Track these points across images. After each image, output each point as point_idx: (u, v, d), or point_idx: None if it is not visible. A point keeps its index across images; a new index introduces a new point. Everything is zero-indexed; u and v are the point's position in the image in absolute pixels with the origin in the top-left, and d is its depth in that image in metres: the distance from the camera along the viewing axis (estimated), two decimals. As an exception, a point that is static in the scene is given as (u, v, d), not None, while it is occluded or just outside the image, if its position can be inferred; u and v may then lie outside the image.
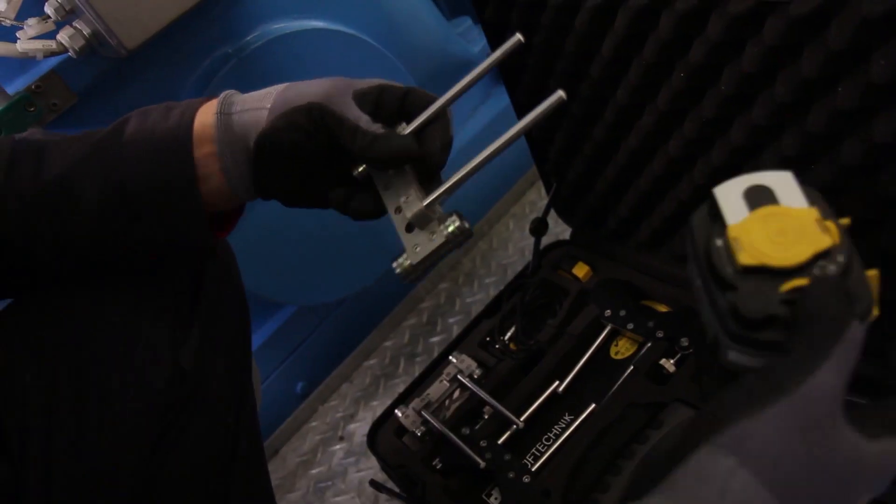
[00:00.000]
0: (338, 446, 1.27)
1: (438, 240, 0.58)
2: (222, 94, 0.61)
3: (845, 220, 0.41)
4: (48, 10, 0.87)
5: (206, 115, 0.60)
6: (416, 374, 1.29)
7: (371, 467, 1.19)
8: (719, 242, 0.41)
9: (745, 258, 0.40)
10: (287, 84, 0.61)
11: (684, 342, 0.90)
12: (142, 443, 0.63)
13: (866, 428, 0.35)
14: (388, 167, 0.60)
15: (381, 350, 1.40)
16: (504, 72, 1.02)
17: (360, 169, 0.61)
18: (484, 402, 0.99)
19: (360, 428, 1.28)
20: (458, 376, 1.03)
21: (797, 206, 0.41)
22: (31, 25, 0.87)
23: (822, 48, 0.65)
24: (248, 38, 1.08)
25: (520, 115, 1.06)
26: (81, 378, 0.60)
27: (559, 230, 1.25)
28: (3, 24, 0.87)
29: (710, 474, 0.34)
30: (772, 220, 0.41)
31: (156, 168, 0.58)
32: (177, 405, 0.65)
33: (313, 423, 1.33)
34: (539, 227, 1.09)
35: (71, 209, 0.58)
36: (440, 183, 0.59)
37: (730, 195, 0.43)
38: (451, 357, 1.07)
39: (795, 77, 0.68)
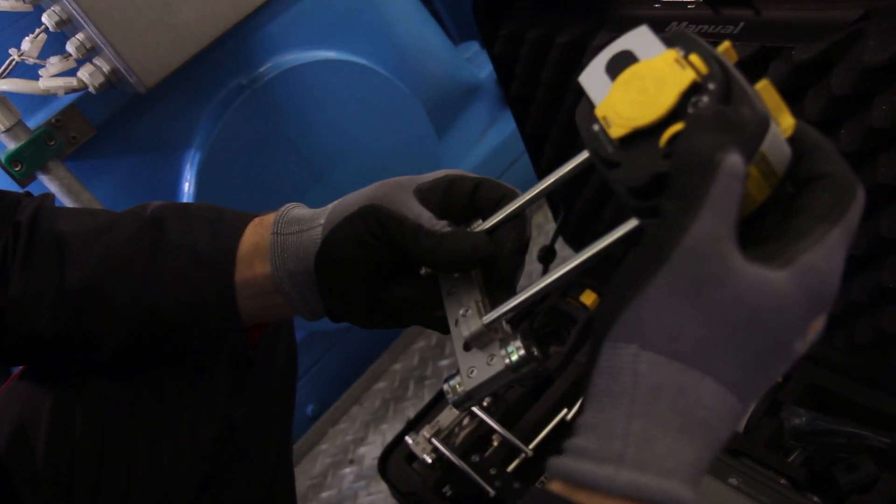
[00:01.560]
0: (348, 469, 1.28)
1: (497, 367, 0.46)
2: (280, 212, 0.55)
3: (724, 46, 0.38)
4: (69, 48, 0.90)
5: (257, 234, 0.55)
6: (426, 396, 1.31)
7: (381, 491, 1.20)
8: (595, 127, 0.39)
9: (616, 131, 0.37)
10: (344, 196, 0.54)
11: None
12: (187, 494, 0.64)
13: (775, 262, 0.33)
14: (454, 271, 0.50)
15: (391, 373, 1.41)
16: (512, 104, 1.04)
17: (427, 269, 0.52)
18: (493, 430, 1.00)
19: (370, 451, 1.29)
20: (468, 403, 1.04)
21: (655, 55, 0.38)
22: (53, 64, 0.90)
23: (825, 92, 0.66)
24: (262, 69, 1.11)
25: (528, 146, 1.08)
26: (132, 432, 0.60)
27: (566, 254, 1.26)
28: (26, 62, 0.89)
29: (618, 367, 0.33)
30: (632, 82, 0.38)
31: (194, 291, 0.55)
32: (224, 458, 0.66)
33: (323, 446, 1.35)
34: (547, 256, 1.11)
35: (98, 320, 0.56)
36: (511, 294, 0.47)
37: (594, 76, 0.40)
38: (460, 383, 1.08)
39: (798, 119, 0.70)
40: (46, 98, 0.96)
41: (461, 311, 0.48)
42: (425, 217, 0.49)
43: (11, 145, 0.93)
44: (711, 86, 0.35)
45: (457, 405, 0.47)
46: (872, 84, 0.63)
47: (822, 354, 0.84)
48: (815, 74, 0.67)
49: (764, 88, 0.37)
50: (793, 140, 0.37)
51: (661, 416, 0.32)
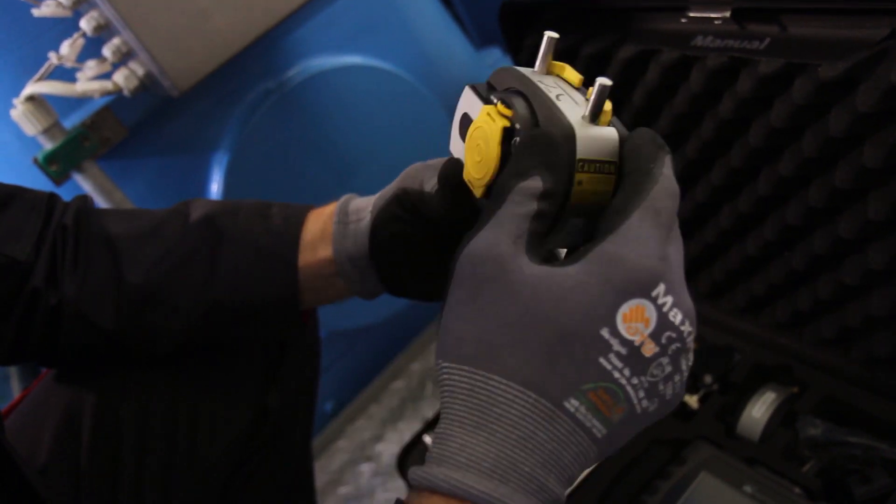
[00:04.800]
0: (365, 466, 1.31)
1: None
2: (340, 202, 0.60)
3: (560, 65, 0.42)
4: (106, 52, 0.92)
5: (320, 222, 0.59)
6: (443, 397, 1.33)
7: (398, 488, 1.22)
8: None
9: (478, 192, 0.41)
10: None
11: (708, 380, 0.93)
12: (220, 479, 0.66)
13: (571, 259, 0.35)
14: (453, 193, 0.50)
15: (409, 372, 1.43)
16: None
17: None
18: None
19: (387, 448, 1.31)
20: (486, 405, 1.06)
21: (478, 112, 0.41)
22: (90, 67, 0.92)
23: (850, 109, 0.67)
24: (289, 74, 1.13)
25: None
26: (175, 419, 0.62)
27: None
28: (64, 65, 0.92)
29: (438, 381, 0.37)
30: (472, 144, 0.42)
31: (258, 283, 0.58)
32: (256, 443, 0.68)
33: (342, 443, 1.37)
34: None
35: (160, 316, 0.58)
36: None
37: (456, 143, 0.45)
38: (478, 385, 1.10)
39: (822, 134, 0.71)
40: (82, 100, 0.99)
41: None
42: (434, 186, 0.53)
43: (48, 145, 0.95)
44: (518, 125, 0.39)
45: None
46: (897, 103, 0.64)
47: (839, 366, 0.85)
48: (841, 92, 0.68)
49: (566, 74, 0.41)
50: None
51: (457, 414, 0.35)
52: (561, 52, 0.93)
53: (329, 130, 1.17)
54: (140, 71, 0.94)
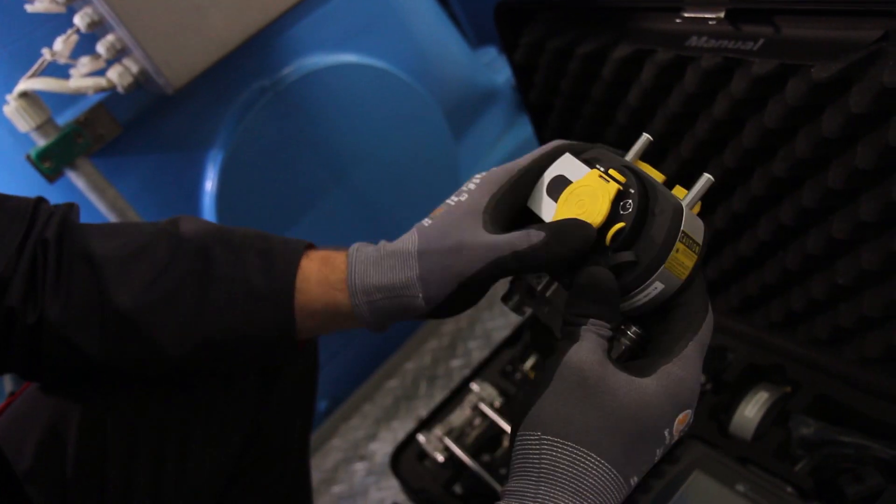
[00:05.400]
0: (359, 465, 1.31)
1: None
2: (352, 275, 0.52)
3: (639, 163, 0.50)
4: (100, 48, 0.92)
5: (321, 288, 0.54)
6: (437, 396, 1.33)
7: (391, 487, 1.22)
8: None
9: None
10: (417, 241, 0.51)
11: (701, 379, 0.93)
12: (212, 497, 0.65)
13: (642, 372, 0.45)
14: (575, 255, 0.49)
15: (403, 371, 1.43)
16: (531, 111, 1.05)
17: (515, 299, 0.57)
18: (504, 431, 1.02)
19: (381, 447, 1.31)
20: (480, 404, 1.06)
21: (582, 175, 0.49)
22: (84, 64, 0.92)
23: (842, 110, 0.68)
24: (284, 72, 1.13)
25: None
26: (163, 437, 0.61)
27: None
28: (57, 61, 0.91)
29: (527, 449, 0.44)
30: (571, 199, 0.49)
31: (250, 324, 0.55)
32: (249, 461, 0.68)
33: (335, 442, 1.37)
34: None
35: (146, 349, 0.55)
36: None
37: (538, 199, 0.51)
38: (472, 385, 1.10)
39: (815, 135, 0.71)
40: (75, 97, 0.98)
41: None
42: (514, 237, 0.48)
43: (41, 142, 0.95)
44: (632, 190, 0.47)
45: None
46: (890, 103, 0.64)
47: (831, 366, 0.86)
48: (834, 92, 0.68)
49: (674, 189, 0.49)
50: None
51: (559, 481, 0.43)
52: (554, 52, 0.93)
53: (324, 129, 1.17)
54: (134, 68, 0.93)
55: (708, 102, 0.80)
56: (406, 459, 1.08)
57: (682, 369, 0.45)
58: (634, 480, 0.45)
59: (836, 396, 0.85)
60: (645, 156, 0.52)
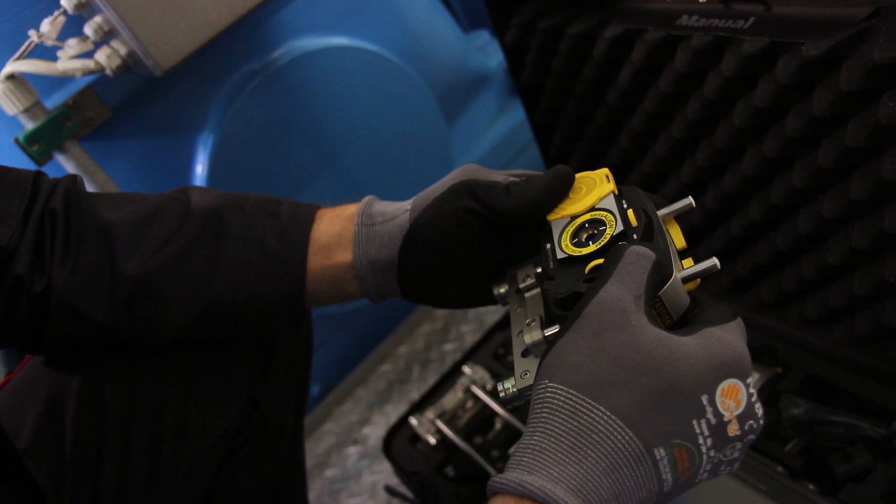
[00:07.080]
0: (352, 449, 1.31)
1: None
2: (363, 203, 0.57)
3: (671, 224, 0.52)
4: (87, 30, 0.91)
5: (336, 225, 0.57)
6: (430, 379, 1.33)
7: (384, 470, 1.23)
8: (547, 245, 0.51)
9: (550, 216, 0.52)
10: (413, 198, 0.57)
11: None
12: (209, 470, 0.65)
13: (682, 331, 0.41)
14: (543, 207, 0.52)
15: (396, 355, 1.43)
16: (522, 92, 1.05)
17: (502, 290, 0.58)
18: (496, 413, 1.02)
19: (374, 431, 1.32)
20: (472, 387, 1.07)
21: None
22: (72, 46, 0.91)
23: (833, 88, 0.67)
24: (275, 54, 1.12)
25: (536, 135, 1.09)
26: (161, 410, 0.61)
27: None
28: (44, 43, 0.91)
29: (536, 398, 0.41)
30: (576, 183, 0.53)
31: (263, 284, 0.55)
32: (245, 435, 0.68)
33: (328, 426, 1.37)
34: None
35: (154, 310, 0.55)
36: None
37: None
38: (465, 368, 1.10)
39: (806, 114, 0.71)
40: (64, 79, 0.97)
41: (527, 321, 0.53)
42: (511, 179, 0.54)
43: (29, 125, 0.94)
44: (635, 235, 0.47)
45: (507, 402, 0.52)
46: (880, 81, 0.64)
47: (821, 346, 0.86)
48: (824, 70, 0.68)
49: (674, 231, 0.51)
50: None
51: (555, 432, 0.39)
52: (545, 32, 0.92)
53: (315, 111, 1.17)
54: (122, 50, 0.92)
55: (699, 82, 0.80)
56: (398, 442, 1.08)
57: (727, 332, 0.41)
58: (661, 454, 0.38)
59: (826, 377, 0.85)
60: (680, 217, 0.53)
